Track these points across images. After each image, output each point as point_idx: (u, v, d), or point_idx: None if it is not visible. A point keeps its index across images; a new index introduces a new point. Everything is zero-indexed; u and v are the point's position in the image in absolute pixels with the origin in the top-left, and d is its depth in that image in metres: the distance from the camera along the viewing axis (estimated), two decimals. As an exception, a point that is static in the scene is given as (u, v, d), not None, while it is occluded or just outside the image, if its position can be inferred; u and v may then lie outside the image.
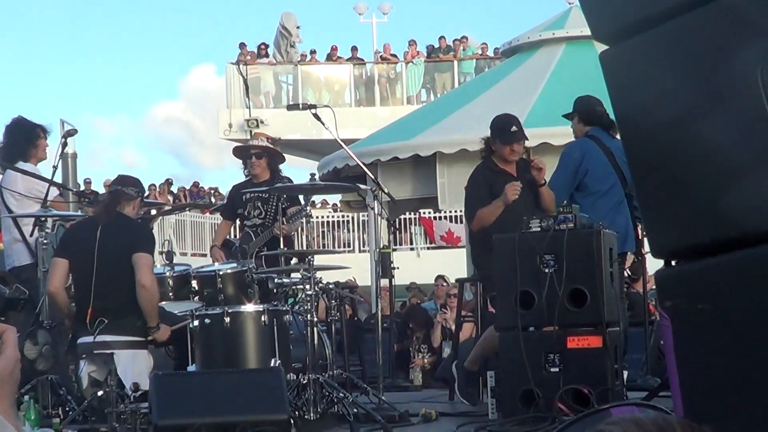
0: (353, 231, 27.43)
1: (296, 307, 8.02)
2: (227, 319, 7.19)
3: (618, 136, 7.33)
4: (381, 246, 9.03)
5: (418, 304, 15.82)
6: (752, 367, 2.44)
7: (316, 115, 8.42)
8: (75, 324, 7.46)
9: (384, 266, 8.85)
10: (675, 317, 2.56)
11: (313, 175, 20.76)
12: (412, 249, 26.95)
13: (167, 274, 7.81)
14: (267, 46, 29.02)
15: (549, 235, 6.94)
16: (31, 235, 8.33)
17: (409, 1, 57.97)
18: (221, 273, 7.85)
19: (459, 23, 73.92)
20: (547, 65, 12.93)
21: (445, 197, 12.18)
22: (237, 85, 27.70)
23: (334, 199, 26.16)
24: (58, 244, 7.68)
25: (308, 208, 8.04)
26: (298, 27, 28.97)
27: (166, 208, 18.22)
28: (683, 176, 2.61)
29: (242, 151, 9.60)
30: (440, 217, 26.31)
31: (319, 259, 7.93)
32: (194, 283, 7.84)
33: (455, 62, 28.36)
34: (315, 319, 7.57)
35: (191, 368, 7.18)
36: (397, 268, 9.14)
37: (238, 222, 9.69)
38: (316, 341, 7.55)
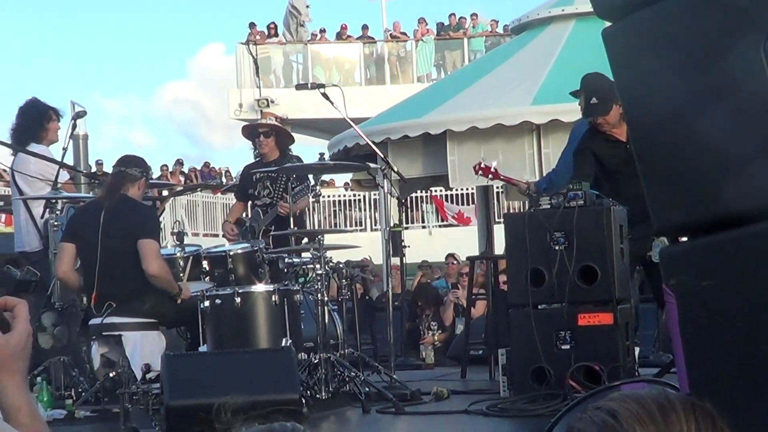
0: (365, 210, 27.41)
1: (307, 286, 8.02)
2: (238, 300, 7.20)
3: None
4: (391, 225, 9.01)
5: (427, 282, 15.81)
6: (758, 344, 2.43)
7: (324, 95, 8.41)
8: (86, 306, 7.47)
9: (395, 245, 8.85)
10: (680, 294, 2.55)
11: (322, 154, 20.77)
12: (423, 227, 26.94)
13: (178, 254, 7.80)
14: (276, 25, 28.98)
15: (559, 213, 6.93)
16: (42, 216, 8.34)
17: (418, -21, 57.81)
18: (232, 253, 7.85)
19: (469, 0, 73.68)
20: (556, 42, 12.87)
21: (455, 175, 12.14)
22: (247, 65, 27.69)
23: (345, 178, 26.15)
24: (64, 229, 7.67)
25: (318, 187, 8.02)
26: (307, 6, 28.92)
27: (178, 188, 18.26)
28: (687, 152, 2.60)
29: (250, 131, 9.58)
30: (450, 197, 26.30)
31: (330, 239, 7.94)
32: (205, 264, 7.83)
33: (465, 40, 28.29)
34: (326, 298, 7.58)
35: (203, 349, 7.19)
36: (408, 246, 9.14)
37: (249, 202, 9.68)
38: (327, 320, 7.56)
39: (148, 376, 6.82)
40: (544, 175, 9.56)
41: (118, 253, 7.24)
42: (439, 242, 22.90)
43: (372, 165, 9.31)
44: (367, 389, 7.26)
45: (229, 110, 28.04)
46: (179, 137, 67.17)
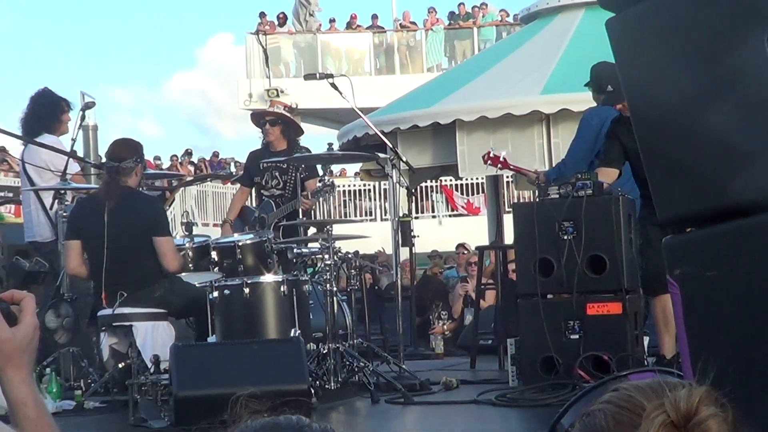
0: (375, 199, 27.41)
1: (316, 276, 8.02)
2: (247, 290, 7.20)
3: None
4: (400, 215, 9.00)
5: (434, 274, 15.81)
6: (762, 334, 2.43)
7: (333, 85, 8.40)
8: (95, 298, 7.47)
9: (404, 235, 8.84)
10: (684, 285, 2.54)
11: (330, 144, 20.75)
12: (434, 216, 26.92)
13: (187, 245, 7.80)
14: (286, 15, 28.96)
15: (568, 202, 6.93)
16: (51, 208, 8.34)
17: (428, -32, 57.66)
18: (241, 244, 7.84)
19: (479, -10, 73.55)
20: (566, 31, 12.85)
21: (465, 165, 12.13)
22: (257, 55, 27.67)
23: (356, 167, 26.15)
24: (66, 226, 7.60)
25: (332, 181, 7.98)
26: (317, -5, 28.90)
27: (188, 179, 18.26)
28: (693, 144, 2.59)
29: (258, 118, 9.56)
30: (459, 186, 26.29)
31: (340, 228, 7.91)
32: (214, 254, 7.82)
33: (475, 29, 28.24)
34: (335, 288, 7.58)
35: (211, 339, 7.19)
36: (417, 236, 9.13)
37: (254, 190, 9.66)
38: (336, 311, 7.56)
39: (157, 366, 6.81)
40: (554, 164, 9.55)
41: (125, 248, 7.17)
42: (450, 232, 22.89)
43: (381, 155, 9.30)
44: (376, 379, 7.26)
45: (238, 100, 28.02)
46: (188, 127, 67.29)
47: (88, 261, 7.36)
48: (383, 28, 29.02)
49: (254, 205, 9.73)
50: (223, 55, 55.29)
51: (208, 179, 25.49)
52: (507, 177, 17.29)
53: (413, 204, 13.38)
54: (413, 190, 10.99)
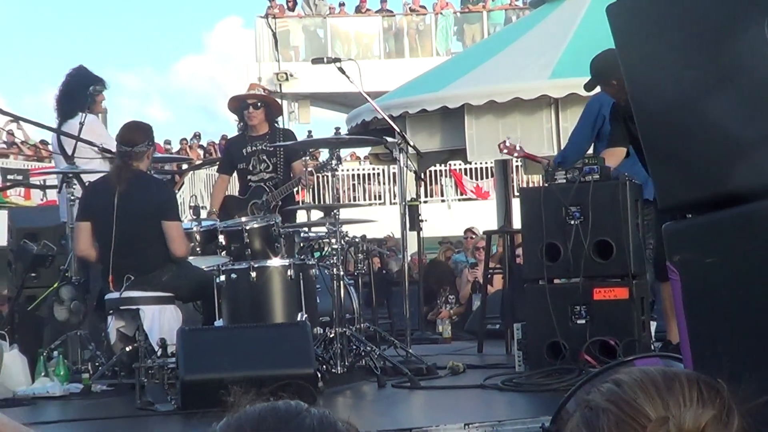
0: (384, 183, 27.40)
1: (323, 260, 8.02)
2: (254, 274, 7.21)
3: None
4: (408, 199, 8.99)
5: (441, 261, 15.80)
6: (762, 321, 2.43)
7: (341, 69, 8.40)
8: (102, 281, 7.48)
9: (412, 219, 8.84)
10: (684, 271, 2.54)
11: (337, 128, 20.74)
12: (443, 201, 26.91)
13: (194, 229, 7.82)
14: (296, -2, 28.95)
15: (575, 187, 6.92)
16: (59, 191, 8.31)
17: (438, -48, 57.54)
18: (248, 228, 7.85)
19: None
20: (575, 15, 12.81)
21: (474, 149, 12.11)
22: (266, 39, 27.65)
23: (365, 151, 26.12)
24: (78, 208, 7.62)
25: (334, 161, 7.96)
26: (326, -21, 28.87)
27: (197, 162, 18.27)
28: (694, 132, 2.59)
29: (238, 102, 9.41)
30: (468, 171, 26.25)
31: (348, 213, 7.90)
32: (221, 238, 7.84)
33: (484, 13, 28.20)
34: (342, 272, 7.58)
35: (218, 323, 7.20)
36: (425, 220, 9.13)
37: (237, 178, 9.49)
38: (343, 295, 7.57)
39: (163, 349, 6.83)
40: (562, 149, 9.55)
41: (134, 232, 7.21)
42: (459, 216, 22.88)
43: (389, 139, 9.28)
44: (382, 363, 7.27)
45: (247, 84, 27.93)
46: (197, 111, 67.29)
47: (97, 243, 7.38)
48: (392, 12, 29.01)
49: (237, 193, 9.56)
50: (232, 38, 55.27)
51: (218, 163, 25.46)
52: (516, 162, 17.27)
53: (422, 188, 13.36)
54: (422, 175, 10.98)
